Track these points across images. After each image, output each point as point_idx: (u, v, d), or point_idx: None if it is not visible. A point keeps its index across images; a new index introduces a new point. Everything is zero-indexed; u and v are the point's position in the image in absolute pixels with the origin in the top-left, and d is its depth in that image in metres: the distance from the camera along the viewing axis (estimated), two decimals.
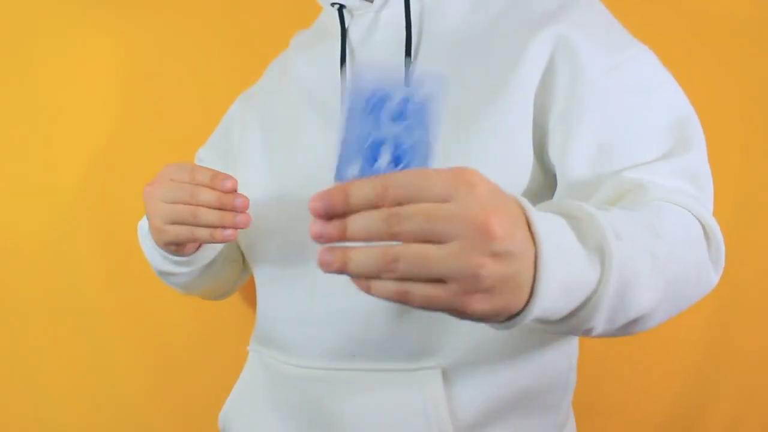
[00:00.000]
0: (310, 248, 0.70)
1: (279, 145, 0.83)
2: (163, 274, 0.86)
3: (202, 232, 0.70)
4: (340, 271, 0.44)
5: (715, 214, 0.73)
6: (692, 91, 1.27)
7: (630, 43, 0.70)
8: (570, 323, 0.50)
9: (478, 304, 0.43)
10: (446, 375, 0.68)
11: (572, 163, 0.64)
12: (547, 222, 0.47)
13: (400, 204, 0.43)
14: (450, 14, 0.75)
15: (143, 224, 0.83)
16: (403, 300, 0.44)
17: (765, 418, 1.30)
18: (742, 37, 1.26)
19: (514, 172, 0.66)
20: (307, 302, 0.75)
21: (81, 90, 1.19)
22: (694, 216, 0.61)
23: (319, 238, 0.45)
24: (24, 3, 1.20)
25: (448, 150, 0.62)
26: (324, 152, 0.76)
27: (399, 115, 0.46)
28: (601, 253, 0.49)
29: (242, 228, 0.70)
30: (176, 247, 0.77)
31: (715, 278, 0.64)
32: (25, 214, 1.19)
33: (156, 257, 0.82)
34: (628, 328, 0.55)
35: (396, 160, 0.46)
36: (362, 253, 0.43)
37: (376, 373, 0.70)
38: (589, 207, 0.51)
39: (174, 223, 0.71)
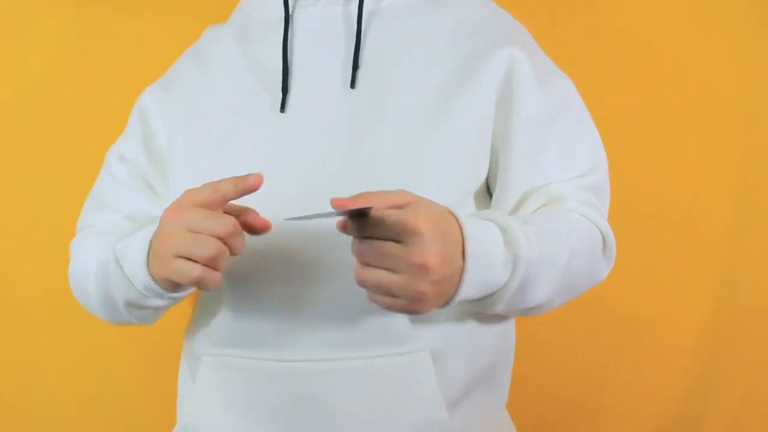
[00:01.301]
0: (292, 241, 0.72)
1: (220, 142, 0.79)
2: (135, 308, 0.76)
3: (209, 280, 0.66)
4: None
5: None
6: (692, 90, 1.28)
7: (560, 73, 0.83)
8: (480, 304, 0.69)
9: (421, 308, 0.62)
10: (434, 356, 0.75)
11: (513, 174, 0.77)
12: (478, 237, 0.64)
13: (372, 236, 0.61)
14: (395, 20, 0.80)
15: (127, 253, 0.71)
16: (374, 302, 0.63)
17: (765, 418, 1.30)
18: (742, 36, 1.26)
19: (473, 170, 0.77)
20: (293, 295, 0.74)
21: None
22: (596, 225, 0.76)
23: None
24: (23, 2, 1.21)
25: (419, 150, 0.73)
26: (270, 142, 0.76)
27: None
28: (515, 259, 0.66)
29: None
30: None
31: (605, 273, 0.80)
32: (25, 214, 1.20)
33: (134, 293, 0.72)
34: (527, 312, 0.74)
35: None
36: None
37: (371, 360, 0.74)
38: (515, 222, 0.67)
39: (185, 257, 0.65)
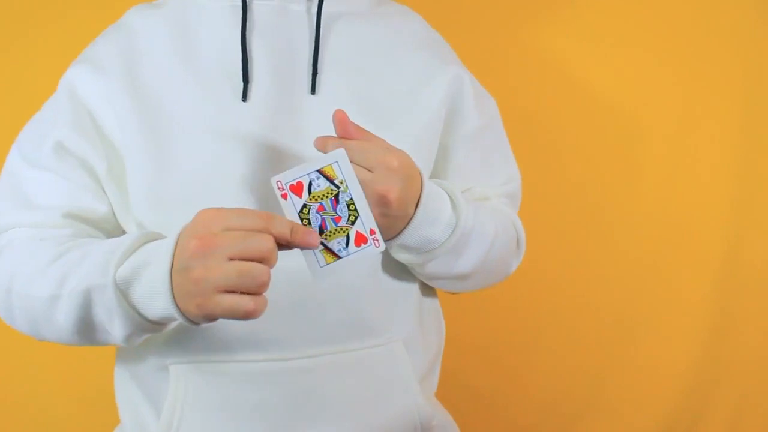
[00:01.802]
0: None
1: (175, 132, 0.75)
2: (133, 336, 0.69)
3: (257, 314, 0.61)
4: None
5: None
6: (688, 90, 1.28)
7: (488, 95, 0.91)
8: (414, 256, 0.75)
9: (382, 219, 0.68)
10: (405, 344, 0.81)
11: (447, 179, 0.85)
12: (432, 199, 0.72)
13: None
14: (352, 26, 0.82)
15: (135, 285, 0.65)
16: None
17: (765, 418, 1.30)
18: (742, 36, 1.26)
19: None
20: (274, 295, 0.72)
21: None
22: (513, 223, 0.86)
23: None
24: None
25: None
26: (232, 131, 0.74)
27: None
28: (456, 222, 0.74)
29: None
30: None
31: (515, 267, 0.89)
32: None
33: (137, 323, 0.66)
34: (448, 284, 0.83)
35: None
36: None
37: (354, 353, 0.77)
38: (461, 195, 0.76)
39: (233, 290, 0.59)
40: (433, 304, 0.88)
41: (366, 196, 0.65)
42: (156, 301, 0.63)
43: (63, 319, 0.69)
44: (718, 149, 1.28)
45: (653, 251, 1.30)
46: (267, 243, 0.59)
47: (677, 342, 1.31)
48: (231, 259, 0.58)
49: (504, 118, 0.92)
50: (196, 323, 0.64)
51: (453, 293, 0.88)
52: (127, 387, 0.81)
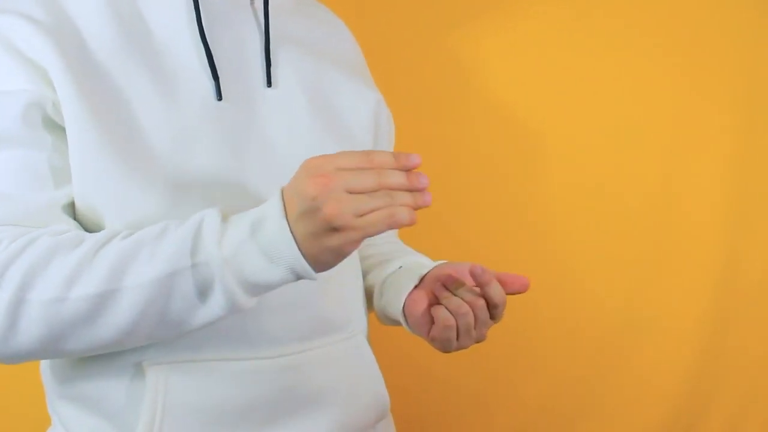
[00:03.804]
0: None
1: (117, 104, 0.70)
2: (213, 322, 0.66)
3: (403, 215, 0.60)
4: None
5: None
6: (687, 89, 1.28)
7: (390, 116, 0.97)
8: None
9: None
10: (363, 334, 0.84)
11: None
12: None
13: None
14: (289, 18, 0.85)
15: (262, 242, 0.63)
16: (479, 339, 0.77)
17: (765, 417, 1.30)
18: (742, 37, 1.26)
19: None
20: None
21: None
22: None
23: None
24: None
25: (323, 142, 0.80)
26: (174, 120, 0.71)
27: None
28: None
29: (426, 207, 0.63)
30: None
31: None
32: None
33: (243, 301, 0.64)
34: None
35: None
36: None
37: (331, 346, 0.79)
38: None
39: (368, 212, 0.60)
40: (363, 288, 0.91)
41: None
42: (278, 261, 0.62)
43: (119, 317, 0.63)
44: (717, 152, 1.28)
45: (652, 253, 1.30)
46: (397, 175, 0.61)
47: (676, 345, 1.31)
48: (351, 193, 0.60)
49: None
50: (312, 277, 0.64)
51: None
52: (72, 386, 0.74)
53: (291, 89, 0.80)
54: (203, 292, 0.64)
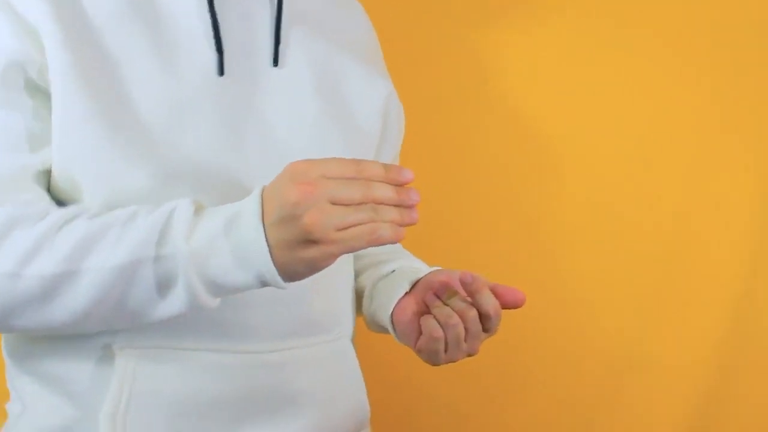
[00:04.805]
0: None
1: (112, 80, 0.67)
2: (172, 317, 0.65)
3: (386, 232, 0.58)
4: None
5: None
6: (699, 104, 1.25)
7: (401, 107, 0.92)
8: None
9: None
10: (349, 338, 0.82)
11: None
12: None
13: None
14: (313, 7, 0.81)
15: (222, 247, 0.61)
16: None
17: None
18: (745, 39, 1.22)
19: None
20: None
21: None
22: None
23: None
24: None
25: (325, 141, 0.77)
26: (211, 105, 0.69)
27: None
28: None
29: (413, 224, 0.61)
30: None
31: None
32: None
33: (206, 301, 0.62)
34: None
35: None
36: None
37: (316, 347, 0.76)
38: None
39: (350, 226, 0.57)
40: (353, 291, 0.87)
41: None
42: (247, 266, 0.60)
43: (74, 301, 0.61)
44: (733, 160, 1.25)
45: (663, 259, 1.26)
46: (382, 188, 0.58)
47: (679, 385, 1.26)
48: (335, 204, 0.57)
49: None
50: (281, 287, 0.61)
51: None
52: (35, 362, 0.71)
53: (299, 70, 0.76)
54: (165, 285, 0.61)
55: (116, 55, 0.67)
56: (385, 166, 0.59)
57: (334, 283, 0.80)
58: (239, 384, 0.71)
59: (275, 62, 0.75)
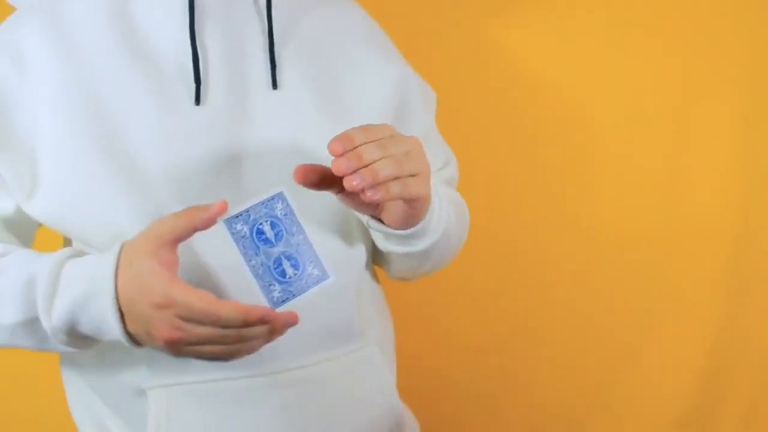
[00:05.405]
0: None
1: (109, 121, 0.69)
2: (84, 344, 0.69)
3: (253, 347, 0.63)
4: (373, 183, 0.60)
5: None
6: (694, 90, 1.25)
7: (429, 88, 0.92)
8: (414, 242, 0.74)
9: (415, 186, 0.66)
10: (378, 344, 0.81)
11: None
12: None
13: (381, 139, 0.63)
14: (303, 12, 0.80)
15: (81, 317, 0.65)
16: (405, 193, 0.64)
17: None
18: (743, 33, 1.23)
19: None
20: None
21: None
22: (460, 198, 0.88)
23: (347, 170, 0.61)
24: None
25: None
26: (184, 136, 0.70)
27: (278, 235, 0.64)
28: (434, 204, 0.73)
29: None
30: None
31: (464, 240, 0.88)
32: None
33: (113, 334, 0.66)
34: (412, 261, 0.80)
35: (294, 267, 0.65)
36: (382, 164, 0.61)
37: (343, 359, 0.77)
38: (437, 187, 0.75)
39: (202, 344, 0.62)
40: (381, 294, 0.87)
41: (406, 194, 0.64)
42: (107, 335, 0.65)
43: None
44: (722, 148, 1.27)
45: (659, 251, 1.29)
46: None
47: (687, 343, 1.30)
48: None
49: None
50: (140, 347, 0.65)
51: (405, 280, 0.89)
52: (92, 409, 0.76)
53: (296, 90, 0.75)
54: (43, 338, 0.67)
55: (107, 90, 0.69)
56: (245, 311, 0.60)
57: (358, 291, 0.79)
58: (264, 408, 0.72)
59: (274, 86, 0.74)
